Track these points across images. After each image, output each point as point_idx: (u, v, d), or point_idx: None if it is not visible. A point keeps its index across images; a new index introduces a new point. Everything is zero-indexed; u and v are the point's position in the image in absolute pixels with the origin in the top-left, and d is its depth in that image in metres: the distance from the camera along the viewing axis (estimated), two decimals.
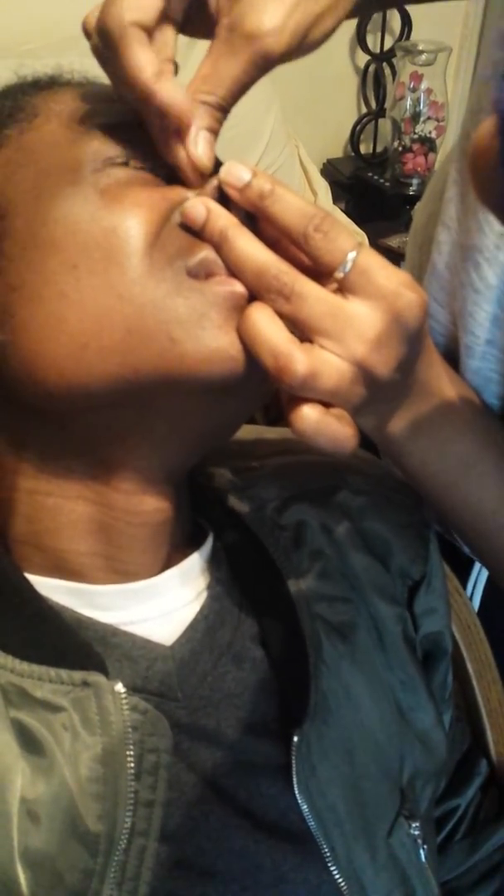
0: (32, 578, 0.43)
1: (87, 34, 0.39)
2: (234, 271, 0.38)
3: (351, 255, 0.37)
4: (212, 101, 0.38)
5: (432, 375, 0.44)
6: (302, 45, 0.40)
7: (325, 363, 0.36)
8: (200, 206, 0.38)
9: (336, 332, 0.37)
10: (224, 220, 0.38)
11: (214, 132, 0.39)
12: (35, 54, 1.41)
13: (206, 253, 0.38)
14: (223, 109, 0.39)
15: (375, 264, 0.37)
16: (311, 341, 0.37)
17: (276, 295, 0.37)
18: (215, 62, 0.38)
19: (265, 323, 0.37)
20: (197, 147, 0.38)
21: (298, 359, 0.36)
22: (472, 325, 0.51)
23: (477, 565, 0.68)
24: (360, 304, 0.37)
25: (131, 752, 0.39)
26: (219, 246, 0.38)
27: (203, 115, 0.38)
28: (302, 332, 0.37)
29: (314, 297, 0.37)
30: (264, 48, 0.38)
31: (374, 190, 1.78)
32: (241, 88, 0.39)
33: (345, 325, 0.37)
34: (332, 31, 0.41)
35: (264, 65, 0.38)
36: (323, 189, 1.68)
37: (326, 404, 0.38)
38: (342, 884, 0.45)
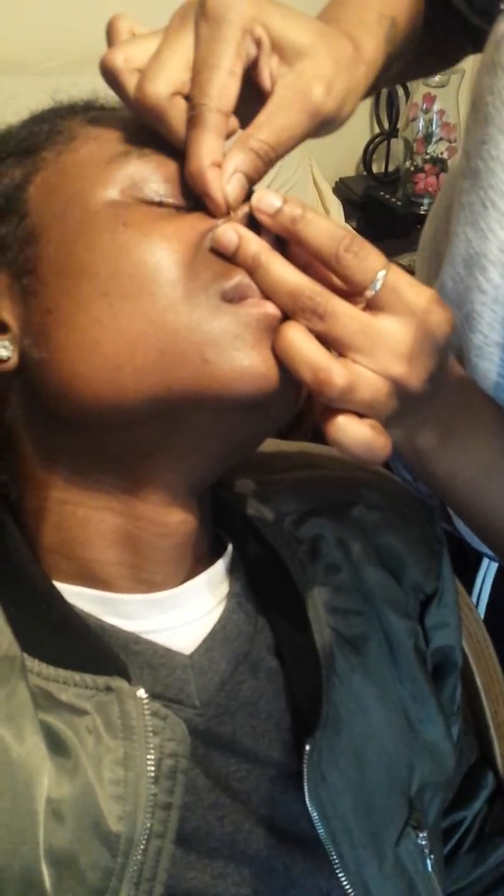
0: (60, 586, 0.44)
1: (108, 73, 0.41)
2: (268, 294, 0.40)
3: (381, 274, 0.38)
4: (257, 146, 0.40)
5: (455, 385, 0.46)
6: (339, 113, 0.43)
7: (362, 377, 0.38)
8: (231, 232, 0.40)
9: (369, 348, 0.38)
10: (256, 245, 0.40)
11: (250, 178, 0.41)
12: (58, 71, 1.44)
13: (240, 277, 0.40)
14: (269, 159, 0.41)
15: (404, 282, 0.39)
16: (343, 357, 0.39)
17: (310, 314, 0.38)
18: (270, 115, 0.41)
19: (302, 340, 0.38)
20: (228, 185, 0.40)
21: (337, 372, 0.37)
22: (481, 326, 0.53)
23: (482, 569, 0.70)
24: (391, 320, 0.39)
25: (151, 757, 0.40)
26: (252, 270, 0.40)
27: (243, 160, 0.40)
28: (335, 349, 0.39)
29: (347, 315, 0.38)
30: (315, 101, 0.41)
31: (386, 209, 1.80)
32: (290, 138, 0.41)
33: (377, 342, 0.38)
34: (352, 113, 0.45)
35: (315, 116, 0.41)
36: (335, 207, 1.70)
37: (359, 415, 0.39)
38: (350, 890, 0.46)
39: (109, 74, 0.41)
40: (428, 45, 0.57)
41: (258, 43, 0.40)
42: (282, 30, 0.41)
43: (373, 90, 0.51)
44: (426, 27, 0.56)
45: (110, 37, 0.43)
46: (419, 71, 0.63)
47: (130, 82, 0.41)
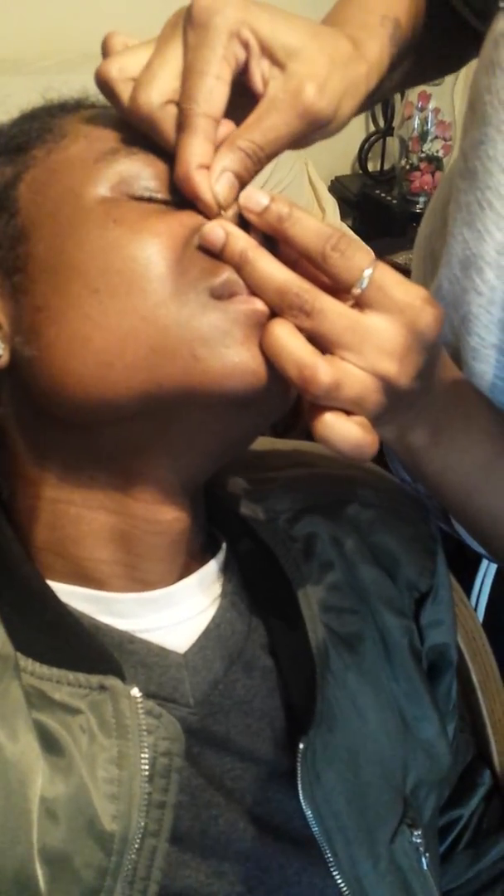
0: (53, 585, 0.44)
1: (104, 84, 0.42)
2: (255, 290, 0.40)
3: (367, 272, 0.38)
4: (245, 146, 0.41)
5: (448, 384, 0.46)
6: (336, 113, 0.43)
7: (348, 374, 0.38)
8: (219, 229, 0.40)
9: (356, 345, 0.38)
10: (243, 242, 0.40)
11: (240, 177, 0.41)
12: (52, 71, 1.44)
13: (228, 274, 0.40)
14: (258, 159, 0.41)
15: (391, 280, 0.39)
16: (331, 354, 0.39)
17: (297, 311, 0.38)
18: (260, 115, 0.41)
19: (288, 337, 0.38)
20: (217, 184, 0.40)
21: (323, 369, 0.37)
22: (477, 328, 0.53)
23: (481, 570, 0.70)
24: (378, 317, 0.39)
25: (145, 756, 0.40)
26: (239, 267, 0.40)
27: (231, 159, 0.40)
28: (323, 346, 0.39)
29: (335, 312, 0.38)
30: (306, 101, 0.41)
31: (382, 207, 1.80)
32: (278, 138, 0.41)
33: (364, 339, 0.38)
34: (352, 114, 0.45)
35: (305, 116, 0.41)
36: (331, 206, 1.71)
37: (348, 413, 0.39)
38: (344, 889, 0.46)
39: (104, 85, 0.42)
40: (431, 50, 0.57)
41: (246, 46, 0.41)
42: (271, 32, 0.41)
43: (379, 94, 0.51)
44: (428, 32, 0.55)
45: (105, 52, 0.43)
46: (423, 76, 0.63)
47: (125, 92, 0.41)
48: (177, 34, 0.41)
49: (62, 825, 0.38)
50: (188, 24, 0.40)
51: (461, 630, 0.64)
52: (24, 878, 0.37)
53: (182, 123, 0.40)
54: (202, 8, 0.40)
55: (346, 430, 0.39)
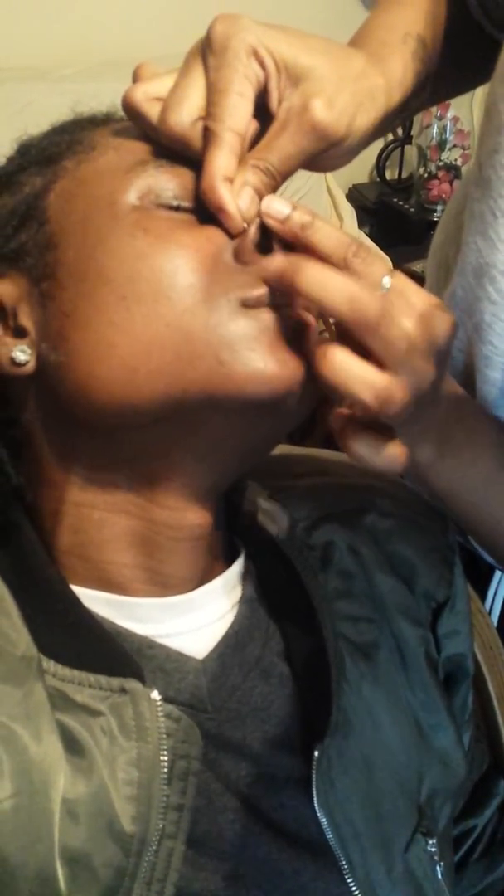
0: (76, 589, 0.45)
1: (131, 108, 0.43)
2: (325, 310, 0.40)
3: (386, 280, 0.39)
4: (261, 165, 0.42)
5: (451, 398, 0.46)
6: (349, 129, 0.44)
7: (409, 388, 0.39)
8: (283, 259, 0.41)
9: (403, 355, 0.39)
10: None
11: (258, 192, 0.42)
12: (73, 79, 1.45)
13: (262, 290, 0.41)
14: (273, 176, 0.42)
15: (409, 288, 0.40)
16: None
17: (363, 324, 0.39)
18: (272, 137, 0.43)
19: (352, 362, 0.39)
20: (239, 198, 0.41)
21: (397, 388, 0.39)
22: (490, 336, 0.54)
23: (494, 581, 0.70)
24: (398, 324, 0.39)
25: (164, 758, 0.41)
26: (300, 287, 0.40)
27: (250, 175, 0.42)
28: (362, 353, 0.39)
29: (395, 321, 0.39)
30: (313, 119, 0.42)
31: (399, 215, 1.81)
32: (291, 158, 0.43)
33: (403, 348, 0.39)
34: (373, 128, 0.46)
35: (313, 133, 0.42)
36: (348, 214, 1.71)
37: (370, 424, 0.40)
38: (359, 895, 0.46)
39: (131, 109, 0.43)
40: (455, 66, 0.57)
41: (263, 65, 0.42)
42: (285, 52, 0.42)
43: (408, 112, 0.51)
44: (451, 47, 0.56)
45: (135, 80, 0.45)
46: (451, 92, 0.64)
47: (152, 111, 0.43)
48: (198, 60, 0.42)
49: (83, 825, 0.38)
50: (208, 50, 0.42)
51: (478, 640, 0.64)
52: (45, 876, 0.38)
53: (207, 139, 0.41)
54: (219, 32, 0.41)
55: (380, 448, 0.40)
